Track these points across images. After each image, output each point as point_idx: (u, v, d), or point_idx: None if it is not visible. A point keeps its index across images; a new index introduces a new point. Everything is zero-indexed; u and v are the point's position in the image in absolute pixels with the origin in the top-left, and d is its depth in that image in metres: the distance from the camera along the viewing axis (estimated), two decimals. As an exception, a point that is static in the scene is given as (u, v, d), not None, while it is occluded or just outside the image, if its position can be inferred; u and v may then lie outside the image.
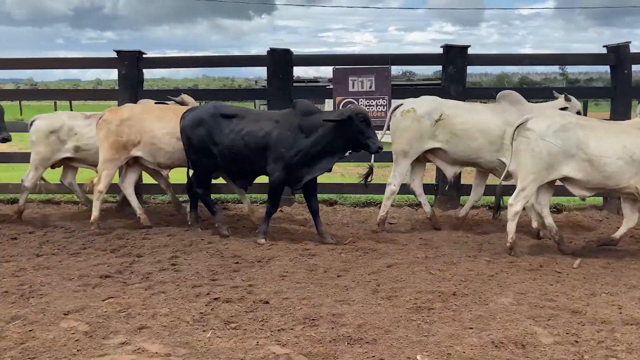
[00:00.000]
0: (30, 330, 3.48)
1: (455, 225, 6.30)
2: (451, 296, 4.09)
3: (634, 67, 7.38)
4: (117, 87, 7.70)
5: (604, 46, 7.43)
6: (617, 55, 7.20)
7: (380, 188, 6.89)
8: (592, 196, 5.39)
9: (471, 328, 3.53)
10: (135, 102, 7.49)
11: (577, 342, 3.34)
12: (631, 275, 4.63)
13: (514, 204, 5.11)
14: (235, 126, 5.63)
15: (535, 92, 16.89)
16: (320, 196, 7.51)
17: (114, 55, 7.54)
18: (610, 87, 7.46)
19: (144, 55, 7.58)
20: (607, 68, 7.54)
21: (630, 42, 7.23)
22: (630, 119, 5.97)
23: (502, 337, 3.38)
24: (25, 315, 3.72)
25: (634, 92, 7.67)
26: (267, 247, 5.45)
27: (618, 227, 5.47)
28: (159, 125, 6.06)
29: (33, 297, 4.08)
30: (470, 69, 7.53)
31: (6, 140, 6.35)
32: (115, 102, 7.63)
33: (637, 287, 4.33)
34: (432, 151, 6.06)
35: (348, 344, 3.31)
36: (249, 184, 6.03)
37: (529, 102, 6.19)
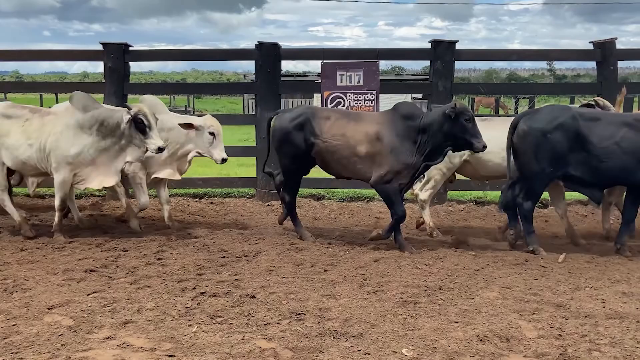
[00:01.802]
0: (13, 325, 3.44)
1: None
2: (437, 290, 4.10)
3: (620, 63, 7.43)
4: (103, 80, 7.63)
5: (590, 42, 7.49)
6: (603, 52, 7.26)
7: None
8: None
9: (457, 322, 3.55)
10: (122, 94, 7.46)
11: (560, 335, 3.37)
12: (615, 270, 4.68)
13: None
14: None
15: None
16: (307, 191, 7.55)
17: (100, 47, 7.47)
18: (597, 83, 7.52)
19: (131, 48, 7.53)
20: (593, 64, 7.59)
21: (616, 39, 7.29)
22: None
23: (487, 331, 3.40)
24: (9, 309, 3.68)
25: (620, 87, 7.73)
26: (254, 242, 5.44)
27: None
28: None
29: (17, 291, 4.04)
30: (458, 64, 7.56)
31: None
32: (101, 95, 7.56)
33: (620, 282, 4.37)
34: None
35: (334, 338, 3.31)
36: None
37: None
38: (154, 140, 5.14)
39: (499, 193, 7.44)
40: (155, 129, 5.18)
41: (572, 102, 20.85)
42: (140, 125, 5.13)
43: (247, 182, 7.72)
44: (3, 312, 3.64)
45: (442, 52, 7.23)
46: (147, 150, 5.20)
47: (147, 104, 5.63)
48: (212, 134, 5.64)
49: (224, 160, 5.66)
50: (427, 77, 7.86)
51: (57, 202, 5.46)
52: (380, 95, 7.23)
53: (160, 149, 5.15)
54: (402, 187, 5.22)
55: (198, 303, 3.83)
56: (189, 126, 5.64)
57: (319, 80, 7.43)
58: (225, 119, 7.39)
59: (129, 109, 5.17)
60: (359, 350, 3.15)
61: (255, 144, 7.78)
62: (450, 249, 5.28)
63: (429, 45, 7.38)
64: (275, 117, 5.64)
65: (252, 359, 3.04)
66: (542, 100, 31.15)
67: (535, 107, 6.95)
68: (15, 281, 4.25)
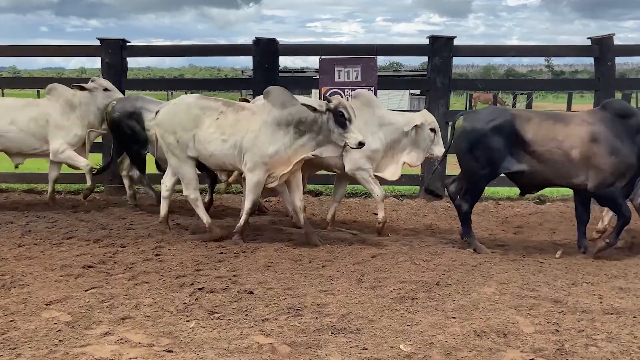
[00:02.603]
0: (11, 321, 3.44)
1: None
2: (435, 286, 4.11)
3: (618, 59, 7.44)
4: (101, 76, 7.61)
5: (588, 38, 7.49)
6: (601, 47, 7.26)
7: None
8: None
9: (454, 317, 3.56)
10: (119, 90, 7.44)
11: (557, 331, 3.38)
12: (612, 266, 4.69)
13: None
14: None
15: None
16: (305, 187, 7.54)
17: (98, 43, 7.45)
18: (594, 79, 7.52)
19: (128, 44, 7.51)
20: (591, 60, 7.59)
21: (614, 34, 7.29)
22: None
23: (485, 326, 3.42)
24: (7, 305, 3.68)
25: (617, 83, 7.76)
26: (252, 238, 5.44)
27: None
28: None
29: (14, 287, 4.04)
30: (456, 60, 7.56)
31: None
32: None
33: (617, 277, 4.39)
34: None
35: (332, 333, 3.32)
36: None
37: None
38: (355, 135, 4.81)
39: (495, 189, 7.48)
40: (355, 123, 4.89)
41: (570, 98, 20.87)
42: (340, 119, 4.81)
43: (245, 178, 7.70)
44: (1, 308, 3.64)
45: (440, 48, 7.23)
46: (345, 145, 4.90)
47: (363, 99, 5.56)
48: (433, 130, 5.48)
49: (445, 156, 5.55)
50: (425, 73, 7.86)
51: (247, 205, 5.14)
52: (378, 91, 7.22)
53: (360, 144, 4.82)
54: (623, 189, 4.90)
55: (196, 299, 3.83)
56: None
57: (317, 76, 7.42)
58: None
59: (329, 101, 4.88)
60: (357, 346, 3.15)
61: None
62: (448, 245, 5.29)
63: (426, 41, 7.37)
64: (464, 118, 5.12)
65: (250, 355, 3.04)
66: (540, 96, 31.21)
67: (533, 104, 6.92)
68: (13, 277, 4.25)
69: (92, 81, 6.51)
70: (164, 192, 5.48)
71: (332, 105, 4.82)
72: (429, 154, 5.54)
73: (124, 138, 6.36)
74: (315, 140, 4.95)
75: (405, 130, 5.48)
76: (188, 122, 5.11)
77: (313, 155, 5.06)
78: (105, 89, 6.45)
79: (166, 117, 5.21)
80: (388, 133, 5.50)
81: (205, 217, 5.35)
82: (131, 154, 6.47)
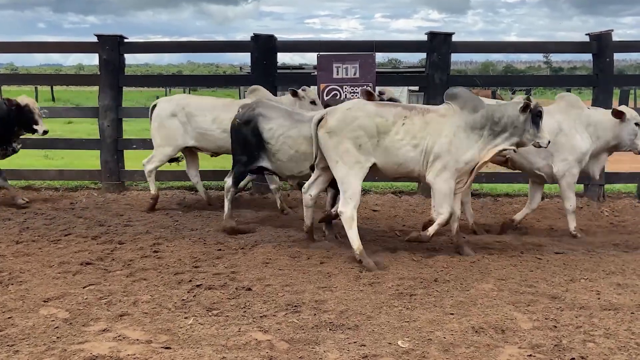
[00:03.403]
0: (9, 318, 3.44)
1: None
2: (433, 282, 4.12)
3: (616, 56, 7.43)
4: (99, 72, 7.60)
5: (586, 34, 7.48)
6: (600, 44, 7.25)
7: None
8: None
9: (452, 314, 3.56)
10: (117, 87, 7.44)
11: (555, 327, 3.39)
12: (610, 262, 4.70)
13: None
14: None
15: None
16: (304, 183, 7.53)
17: (95, 40, 7.43)
18: (593, 75, 7.52)
19: (126, 40, 7.49)
20: (590, 56, 7.58)
21: (612, 31, 7.28)
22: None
23: (483, 322, 3.42)
24: (4, 302, 3.67)
25: (616, 80, 7.76)
26: (250, 234, 5.44)
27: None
28: None
29: (12, 284, 4.04)
30: (455, 57, 7.59)
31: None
32: (97, 88, 7.54)
33: (615, 273, 4.39)
34: None
35: (330, 330, 3.32)
36: None
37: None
38: (545, 134, 4.69)
39: (494, 185, 7.49)
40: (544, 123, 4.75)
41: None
42: (536, 119, 4.64)
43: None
44: (-2, 304, 3.64)
45: (439, 44, 7.21)
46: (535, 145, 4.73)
47: (568, 100, 5.47)
48: (637, 125, 5.37)
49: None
50: (424, 69, 7.84)
51: (444, 216, 4.71)
52: (376, 87, 7.21)
53: (549, 143, 4.72)
54: None
55: (194, 295, 3.83)
56: (619, 114, 5.34)
57: (315, 73, 7.41)
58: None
59: (529, 100, 4.68)
60: (355, 342, 3.15)
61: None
62: (446, 241, 5.28)
63: (425, 38, 7.36)
64: None
65: (248, 351, 3.04)
66: (539, 92, 31.21)
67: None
68: (10, 274, 4.24)
69: (302, 90, 6.33)
70: (309, 202, 5.05)
71: (532, 105, 4.64)
72: (631, 148, 5.47)
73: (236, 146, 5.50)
74: (509, 141, 4.71)
75: (613, 129, 5.39)
76: (372, 128, 4.65)
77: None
78: (312, 102, 6.26)
79: (344, 122, 4.66)
80: (598, 132, 5.41)
81: (357, 242, 4.60)
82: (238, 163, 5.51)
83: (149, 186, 6.59)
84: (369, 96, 5.13)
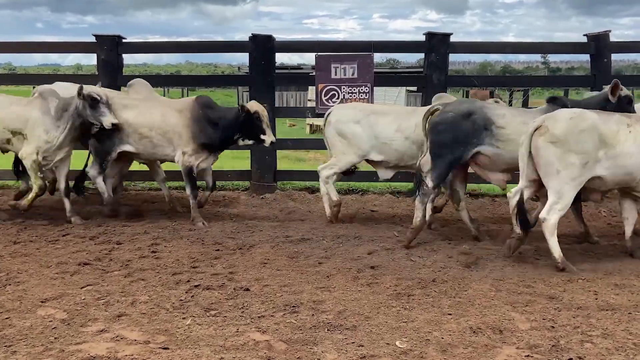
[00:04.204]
0: (7, 318, 3.44)
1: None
2: (431, 283, 4.12)
3: (614, 56, 7.44)
4: (97, 73, 7.59)
5: (584, 35, 7.49)
6: (597, 44, 7.26)
7: (363, 175, 6.92)
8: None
9: (450, 314, 3.56)
10: (115, 87, 7.42)
11: (553, 327, 3.39)
12: (607, 262, 4.70)
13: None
14: None
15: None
16: (302, 184, 7.55)
17: (94, 40, 7.43)
18: (590, 76, 7.53)
19: (124, 40, 7.48)
20: (587, 57, 7.59)
21: (610, 31, 7.29)
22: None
23: (480, 322, 3.42)
24: (2, 303, 3.67)
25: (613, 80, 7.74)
26: (248, 235, 5.44)
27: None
28: None
29: (10, 284, 4.03)
30: (453, 57, 7.57)
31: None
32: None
33: (612, 274, 4.39)
34: None
35: (328, 330, 3.32)
36: None
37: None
38: None
39: (491, 186, 7.49)
40: None
41: (566, 94, 20.87)
42: None
43: (241, 174, 7.70)
44: (-4, 305, 3.63)
45: (437, 44, 7.21)
46: None
47: None
48: None
49: None
50: (422, 69, 7.85)
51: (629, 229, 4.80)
52: (374, 87, 7.21)
53: None
54: None
55: (192, 296, 3.83)
56: None
57: (314, 73, 7.41)
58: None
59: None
60: (353, 342, 3.16)
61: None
62: (444, 241, 5.29)
63: (423, 38, 7.36)
64: None
65: (246, 352, 3.04)
66: (537, 92, 31.23)
67: (530, 100, 6.87)
68: (8, 274, 4.24)
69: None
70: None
71: None
72: None
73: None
74: None
75: None
76: (597, 139, 4.48)
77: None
78: None
79: (570, 133, 4.47)
80: None
81: (558, 250, 4.52)
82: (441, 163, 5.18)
83: (146, 186, 6.60)
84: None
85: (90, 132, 5.76)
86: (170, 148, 5.89)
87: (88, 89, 5.62)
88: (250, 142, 5.95)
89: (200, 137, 5.82)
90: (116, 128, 5.66)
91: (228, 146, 6.06)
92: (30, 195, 5.82)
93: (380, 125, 5.86)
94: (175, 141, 5.85)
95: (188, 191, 5.92)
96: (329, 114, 6.12)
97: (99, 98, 5.58)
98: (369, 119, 5.90)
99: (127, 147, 5.89)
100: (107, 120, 5.57)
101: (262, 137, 5.83)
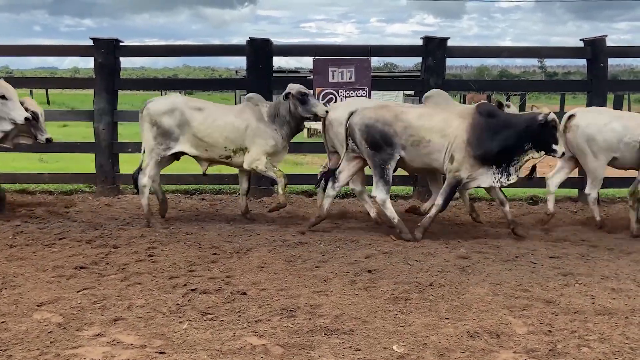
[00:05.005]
0: (2, 322, 3.42)
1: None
2: (428, 287, 4.12)
3: (610, 61, 7.47)
4: (94, 76, 7.59)
5: (580, 39, 7.52)
6: (594, 49, 7.28)
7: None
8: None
9: (447, 318, 3.56)
10: (112, 90, 7.42)
11: (550, 331, 3.39)
12: (604, 267, 4.71)
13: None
14: None
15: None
16: (300, 187, 7.55)
17: (91, 43, 7.43)
18: (587, 81, 7.55)
19: (121, 44, 7.48)
20: (584, 61, 7.62)
21: (606, 36, 7.32)
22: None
23: (478, 327, 3.42)
24: (-2, 307, 3.66)
25: (610, 85, 7.79)
26: (245, 238, 5.43)
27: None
28: None
29: (6, 288, 4.02)
30: (450, 61, 7.56)
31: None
32: (92, 91, 7.52)
33: (609, 278, 4.40)
34: None
35: (325, 334, 3.31)
36: None
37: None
38: None
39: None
40: None
41: (562, 99, 20.93)
42: None
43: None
44: (-8, 309, 3.62)
45: (434, 49, 7.23)
46: None
47: None
48: None
49: None
50: (419, 74, 7.87)
51: None
52: (372, 91, 7.22)
53: None
54: None
55: (189, 300, 3.82)
56: None
57: (311, 77, 7.41)
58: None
59: None
60: (350, 347, 3.15)
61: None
62: (441, 245, 5.29)
63: (420, 42, 7.38)
64: None
65: (243, 356, 3.04)
66: (533, 97, 31.30)
67: (527, 104, 6.91)
68: (4, 278, 4.22)
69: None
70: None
71: None
72: None
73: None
74: None
75: None
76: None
77: None
78: None
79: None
80: None
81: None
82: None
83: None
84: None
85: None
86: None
87: (295, 87, 5.77)
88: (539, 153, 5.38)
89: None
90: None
91: (514, 159, 5.39)
92: (281, 190, 5.86)
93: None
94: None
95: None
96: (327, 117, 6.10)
97: (307, 92, 5.80)
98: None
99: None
100: (321, 109, 5.75)
101: (555, 147, 5.25)
